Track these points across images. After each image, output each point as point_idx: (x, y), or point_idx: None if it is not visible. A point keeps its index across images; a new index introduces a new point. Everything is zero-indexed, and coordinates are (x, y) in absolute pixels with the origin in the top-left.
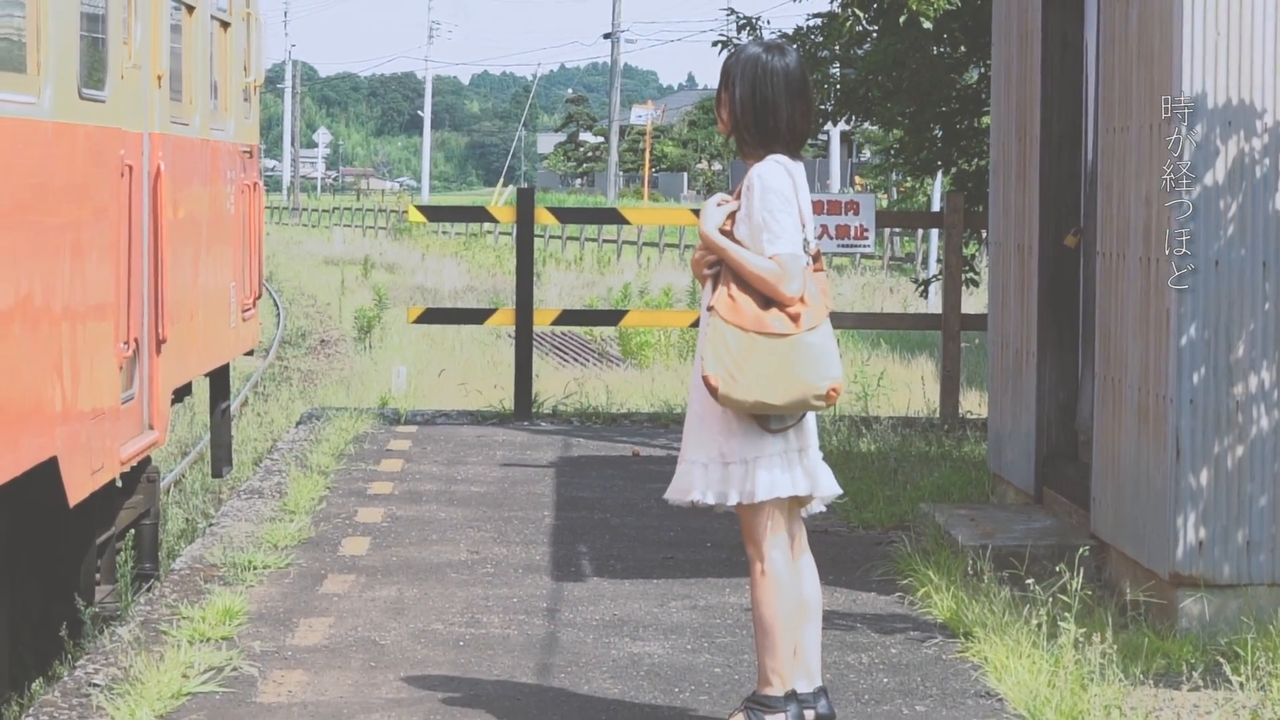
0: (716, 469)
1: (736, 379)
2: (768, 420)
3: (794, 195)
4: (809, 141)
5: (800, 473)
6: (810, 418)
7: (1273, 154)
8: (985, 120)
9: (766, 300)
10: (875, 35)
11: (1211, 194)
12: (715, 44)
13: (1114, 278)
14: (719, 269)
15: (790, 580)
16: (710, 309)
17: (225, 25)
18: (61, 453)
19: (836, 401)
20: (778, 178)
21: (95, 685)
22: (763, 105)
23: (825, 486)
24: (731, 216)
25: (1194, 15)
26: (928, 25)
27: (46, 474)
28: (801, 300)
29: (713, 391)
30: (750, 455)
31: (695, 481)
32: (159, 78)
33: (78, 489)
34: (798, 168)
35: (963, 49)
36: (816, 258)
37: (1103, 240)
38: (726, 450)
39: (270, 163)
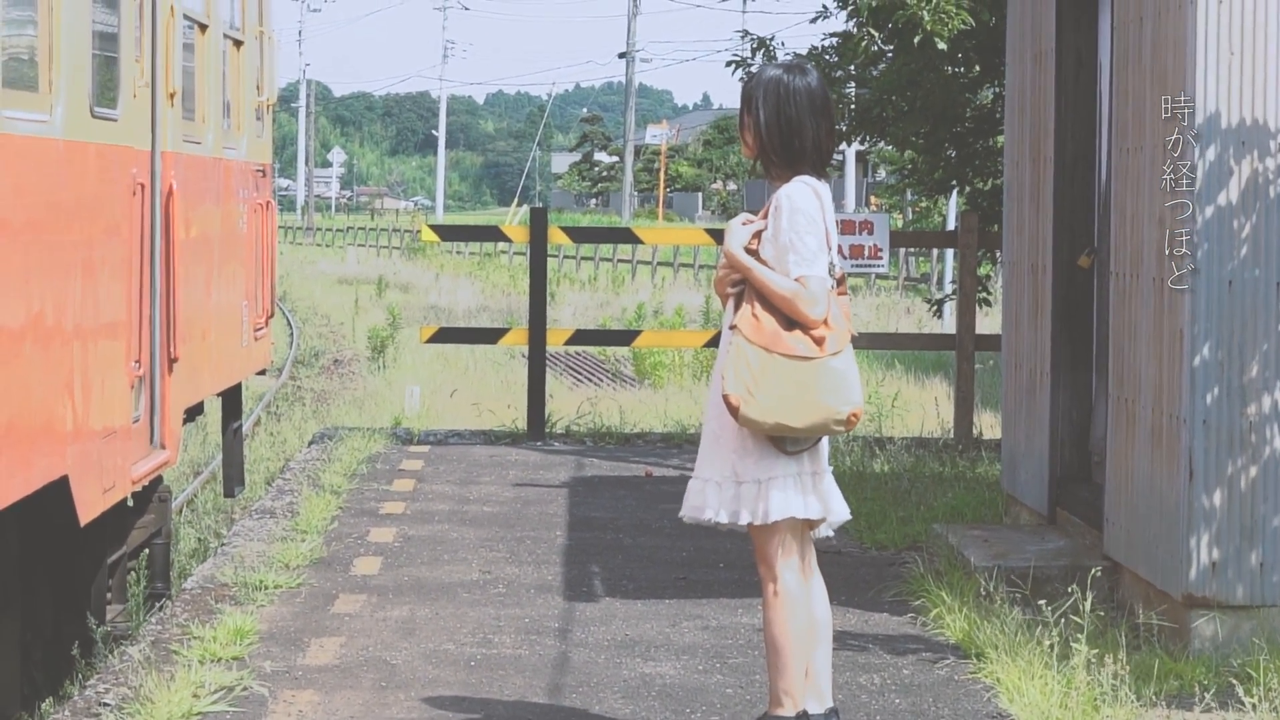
0: (730, 487)
1: (757, 399)
2: (784, 442)
3: (821, 217)
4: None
5: (813, 495)
6: (824, 441)
7: None
8: (999, 140)
9: (790, 321)
10: (890, 55)
11: (1225, 214)
12: (729, 64)
13: (1127, 298)
14: (742, 288)
15: (803, 601)
16: (733, 328)
17: (238, 44)
18: (73, 471)
19: (855, 427)
20: (806, 199)
21: (105, 705)
22: (788, 126)
23: (836, 511)
24: (757, 236)
25: (1207, 35)
26: (943, 46)
27: (58, 493)
28: (825, 323)
29: (733, 411)
30: (764, 476)
31: (709, 500)
32: (171, 96)
33: (89, 508)
34: (825, 189)
35: (977, 69)
36: (841, 281)
37: (1116, 261)
38: (740, 469)
39: (285, 182)
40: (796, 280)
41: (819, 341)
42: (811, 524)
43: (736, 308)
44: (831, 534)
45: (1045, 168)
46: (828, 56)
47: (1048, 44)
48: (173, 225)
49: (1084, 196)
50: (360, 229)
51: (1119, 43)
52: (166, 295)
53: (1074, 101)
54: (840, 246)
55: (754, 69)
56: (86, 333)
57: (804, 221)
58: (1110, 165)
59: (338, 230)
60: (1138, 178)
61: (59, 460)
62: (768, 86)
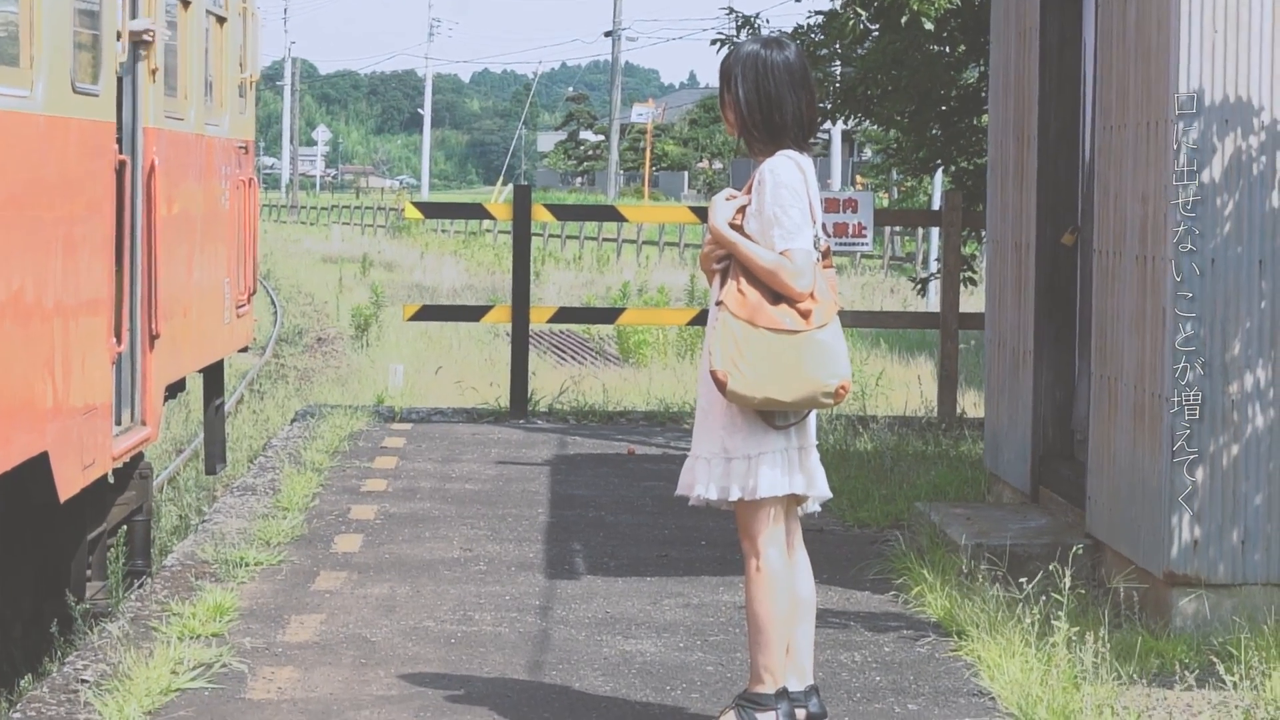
0: (719, 464)
1: (745, 374)
2: (773, 416)
3: (805, 190)
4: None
5: (800, 471)
6: (812, 416)
7: (1270, 152)
8: (984, 119)
9: (776, 296)
10: (875, 34)
11: (1207, 192)
12: (714, 42)
13: (1110, 276)
14: (728, 264)
15: (785, 578)
16: (719, 304)
17: (221, 20)
18: (52, 448)
19: (844, 399)
20: (789, 172)
21: (84, 681)
22: (767, 101)
23: (820, 487)
24: (741, 211)
25: (1191, 13)
26: (929, 25)
27: (37, 469)
28: (812, 296)
29: (721, 387)
30: (753, 451)
31: (699, 476)
32: (153, 72)
33: (69, 484)
34: (807, 162)
35: (962, 48)
36: (826, 254)
37: (1099, 238)
38: (730, 445)
39: (269, 160)
40: (781, 254)
41: (805, 315)
42: (797, 499)
43: (722, 284)
44: (818, 509)
45: (1029, 146)
46: (813, 35)
47: (1032, 22)
48: (154, 202)
49: (1068, 175)
50: (345, 207)
51: (1103, 20)
52: (148, 272)
53: (1058, 79)
54: (824, 223)
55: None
56: (67, 309)
57: (787, 195)
58: (1094, 143)
59: (322, 209)
60: (1121, 155)
61: (38, 437)
62: (746, 62)
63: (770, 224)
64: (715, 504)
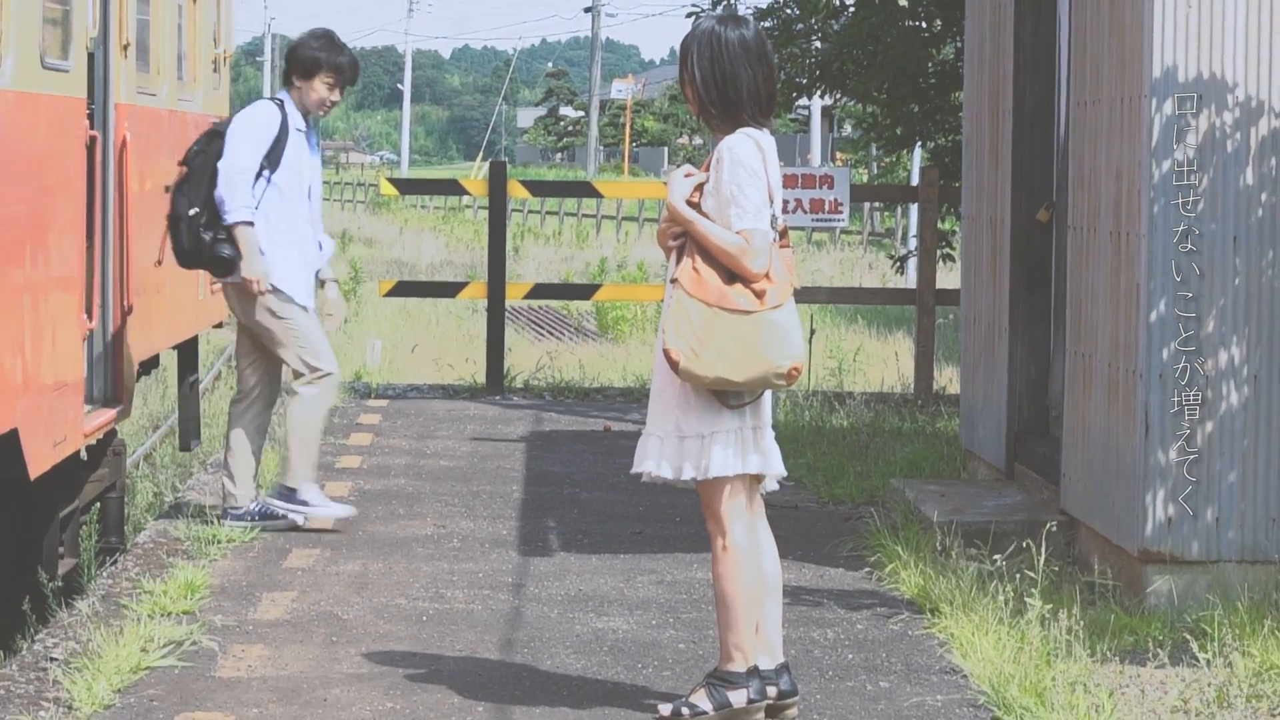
0: (672, 442)
1: (698, 354)
2: (726, 396)
3: (763, 169)
4: (789, 116)
5: (754, 450)
6: (766, 396)
7: (1243, 128)
8: (960, 95)
9: (731, 275)
10: (851, 9)
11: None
12: (690, 16)
13: (1085, 252)
14: (684, 241)
15: (752, 555)
16: (674, 282)
17: None
18: (22, 425)
19: (797, 380)
20: (747, 151)
21: (53, 659)
22: (723, 78)
23: (775, 465)
24: (699, 188)
25: None
26: (904, 1)
27: (7, 447)
28: (768, 277)
29: (674, 366)
30: (706, 430)
31: (649, 453)
32: (125, 47)
33: (39, 462)
34: (768, 140)
35: (938, 23)
36: (784, 234)
37: (1074, 215)
38: (683, 424)
39: None
40: (738, 234)
41: (759, 295)
42: (756, 478)
43: (678, 261)
44: (775, 486)
45: (1004, 121)
46: (789, 10)
47: None
48: (127, 178)
49: (1042, 150)
50: (325, 183)
51: None
52: (119, 248)
53: (1032, 55)
54: (788, 201)
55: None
56: (37, 285)
57: (745, 175)
58: (1069, 119)
59: None
60: (1095, 131)
61: (8, 413)
62: (702, 39)
63: (727, 203)
64: (671, 482)
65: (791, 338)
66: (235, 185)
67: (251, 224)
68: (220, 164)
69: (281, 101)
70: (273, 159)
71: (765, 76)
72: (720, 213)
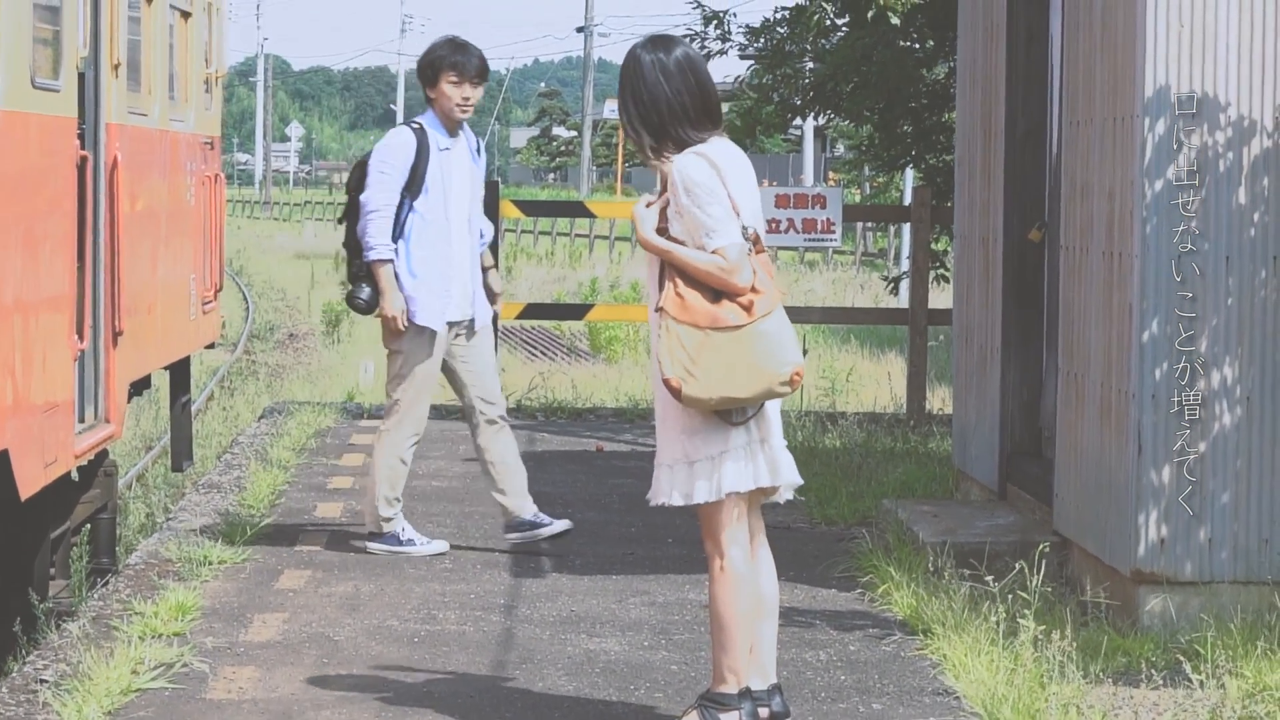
0: (682, 469)
1: (698, 378)
2: (729, 413)
3: (719, 183)
4: (782, 136)
5: (763, 463)
6: (770, 407)
7: (1236, 147)
8: (953, 115)
9: (716, 293)
10: (844, 29)
11: (1173, 187)
12: (684, 36)
13: (1077, 272)
14: (661, 267)
15: (749, 577)
16: (660, 310)
17: (186, 15)
18: (13, 446)
19: (800, 385)
20: (696, 169)
21: (43, 681)
22: (641, 104)
23: (787, 474)
24: (663, 213)
25: (1157, 8)
26: (896, 20)
27: None
28: (753, 289)
29: (675, 394)
30: (715, 451)
31: (662, 485)
32: (116, 67)
33: (30, 483)
34: (723, 151)
35: (930, 43)
36: (757, 241)
37: (1066, 234)
38: (690, 449)
39: (243, 156)
40: (714, 253)
41: (747, 307)
42: (765, 492)
43: (660, 288)
44: (790, 495)
45: (996, 141)
46: (780, 30)
47: (999, 17)
48: (117, 197)
49: (1035, 170)
50: (319, 203)
51: (1069, 15)
52: (111, 268)
53: (1025, 74)
54: (791, 220)
55: (708, 43)
56: (28, 306)
57: (702, 194)
58: (1061, 138)
59: (296, 205)
60: (1087, 150)
61: None
62: (624, 70)
63: (695, 227)
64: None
65: (786, 344)
66: (373, 222)
67: (390, 261)
68: (361, 198)
69: (420, 125)
70: (413, 187)
71: (689, 90)
72: (689, 234)
